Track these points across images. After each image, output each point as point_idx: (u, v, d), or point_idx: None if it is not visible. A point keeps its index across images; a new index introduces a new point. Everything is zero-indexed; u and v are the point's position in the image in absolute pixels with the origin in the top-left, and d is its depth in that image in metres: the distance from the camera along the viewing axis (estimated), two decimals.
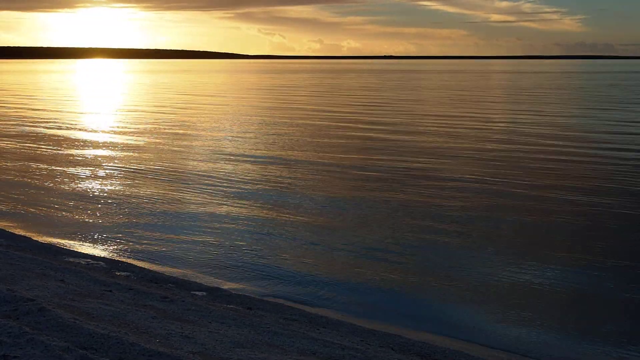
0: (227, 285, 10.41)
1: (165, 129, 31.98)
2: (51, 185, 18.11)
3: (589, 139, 27.38)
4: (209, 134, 29.80)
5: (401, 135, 29.05)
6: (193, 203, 15.86)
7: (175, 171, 20.10)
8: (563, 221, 14.21)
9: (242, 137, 28.43)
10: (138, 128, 32.54)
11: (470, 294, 10.17)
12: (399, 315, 9.36)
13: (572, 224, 14.04)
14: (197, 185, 17.84)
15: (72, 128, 32.77)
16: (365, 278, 10.79)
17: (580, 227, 13.82)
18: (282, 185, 17.92)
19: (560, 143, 26.01)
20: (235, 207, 15.45)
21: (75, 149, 24.98)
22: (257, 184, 18.04)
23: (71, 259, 11.45)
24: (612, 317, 9.37)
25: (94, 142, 27.33)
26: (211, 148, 24.98)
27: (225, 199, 16.19)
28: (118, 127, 33.36)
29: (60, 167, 21.01)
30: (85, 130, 32.08)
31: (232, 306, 9.22)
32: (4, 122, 35.23)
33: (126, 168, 20.60)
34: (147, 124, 34.61)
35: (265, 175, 19.30)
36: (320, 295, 10.08)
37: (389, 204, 15.69)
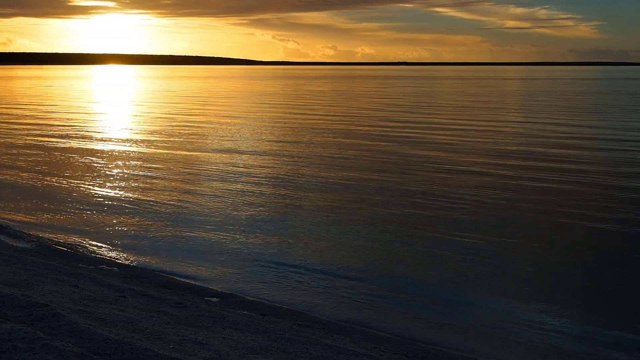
0: (241, 292, 10.40)
1: (183, 134, 32.07)
2: (66, 191, 18.18)
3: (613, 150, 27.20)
4: (225, 139, 29.84)
5: (424, 131, 29.01)
6: (207, 209, 15.88)
7: (189, 178, 20.14)
8: (575, 236, 14.14)
9: (258, 142, 28.47)
10: (154, 134, 32.64)
11: (483, 302, 10.12)
12: (412, 322, 9.32)
13: (584, 233, 13.97)
14: (211, 191, 17.86)
15: (88, 135, 32.92)
16: (378, 285, 10.76)
17: (592, 246, 13.75)
18: (295, 190, 17.91)
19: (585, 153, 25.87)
20: (249, 213, 15.46)
21: (91, 156, 25.09)
22: (270, 190, 18.04)
23: (85, 265, 11.49)
24: (620, 326, 9.31)
25: (109, 148, 27.44)
26: (225, 154, 25.00)
27: (239, 206, 16.20)
28: (134, 134, 33.47)
29: (75, 173, 21.10)
30: (102, 137, 32.22)
31: (245, 312, 9.21)
32: (20, 129, 35.45)
33: (140, 174, 20.67)
34: (165, 130, 34.72)
35: (279, 181, 19.30)
36: (334, 301, 10.05)
37: (403, 211, 15.65)
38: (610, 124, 36.14)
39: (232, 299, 10.01)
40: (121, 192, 17.85)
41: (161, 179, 19.79)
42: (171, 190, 18.00)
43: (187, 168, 21.78)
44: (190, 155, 24.81)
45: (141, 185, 18.84)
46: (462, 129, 33.54)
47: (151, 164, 22.72)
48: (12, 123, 38.45)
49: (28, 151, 26.20)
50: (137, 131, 34.05)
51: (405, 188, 18.20)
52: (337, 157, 23.96)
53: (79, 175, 20.64)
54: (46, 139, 30.40)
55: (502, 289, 10.58)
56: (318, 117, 41.70)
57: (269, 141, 29.10)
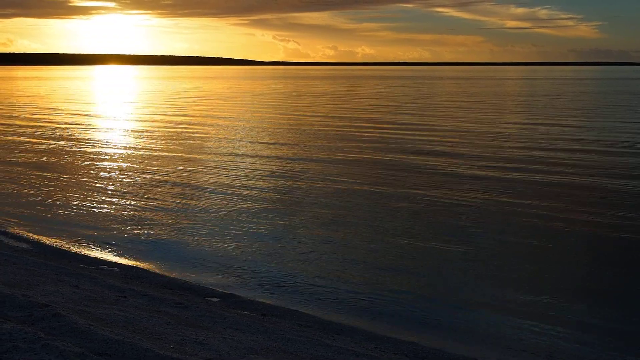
0: (241, 292, 10.40)
1: (183, 136, 32.07)
2: (67, 191, 18.18)
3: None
4: (225, 141, 29.86)
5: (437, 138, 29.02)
6: (207, 210, 15.88)
7: (189, 178, 20.15)
8: (575, 235, 14.14)
9: (258, 144, 28.47)
10: (155, 136, 32.66)
11: (484, 302, 10.12)
12: (413, 322, 9.32)
13: (584, 235, 13.98)
14: (212, 192, 17.87)
15: (90, 136, 32.95)
16: (378, 285, 10.76)
17: (592, 239, 13.75)
18: (296, 192, 17.91)
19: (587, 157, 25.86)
20: (249, 214, 15.46)
21: (92, 156, 25.09)
22: (271, 191, 18.04)
23: (86, 265, 11.50)
24: (619, 327, 9.31)
25: (110, 150, 27.45)
26: (226, 155, 25.01)
27: (239, 207, 16.20)
28: (135, 135, 33.48)
29: (75, 174, 21.11)
30: (103, 138, 32.24)
31: (246, 312, 9.21)
32: (20, 130, 35.46)
33: (141, 175, 20.67)
34: (165, 131, 34.74)
35: (280, 182, 19.30)
36: (334, 301, 10.05)
37: (402, 213, 15.66)
38: (612, 125, 36.12)
39: (232, 299, 10.00)
40: (122, 193, 17.84)
41: (162, 180, 19.79)
42: (172, 191, 17.99)
43: (188, 169, 21.78)
44: (191, 156, 24.80)
45: (142, 186, 18.84)
46: (463, 131, 33.55)
47: (152, 165, 22.72)
48: (12, 125, 38.46)
49: (28, 153, 26.21)
50: (138, 132, 34.06)
51: (406, 189, 18.20)
52: (338, 159, 23.97)
53: (79, 176, 20.64)
54: (47, 140, 30.41)
55: (503, 290, 10.58)
56: (318, 119, 41.73)
57: (271, 143, 29.10)
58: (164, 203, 16.52)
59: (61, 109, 50.42)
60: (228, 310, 9.13)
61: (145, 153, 25.56)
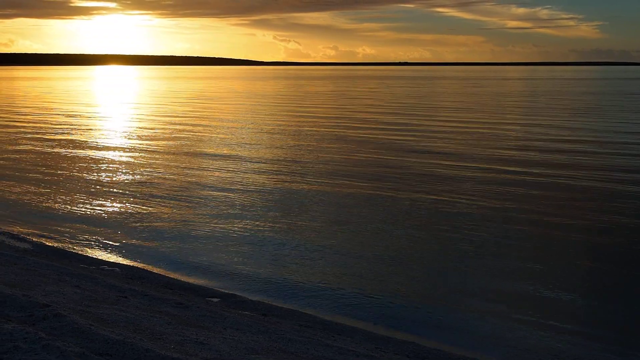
0: (241, 292, 10.42)
1: (184, 137, 32.09)
2: (68, 192, 18.20)
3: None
4: (227, 143, 29.87)
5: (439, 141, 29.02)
6: (208, 210, 15.89)
7: (190, 178, 20.15)
8: (575, 233, 14.14)
9: (257, 146, 28.49)
10: (156, 137, 32.67)
11: (484, 302, 10.13)
12: (414, 323, 9.33)
13: (584, 236, 13.98)
14: (213, 192, 17.87)
15: (91, 138, 32.96)
16: (379, 285, 10.76)
17: (592, 240, 13.75)
18: (297, 193, 17.92)
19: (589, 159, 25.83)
20: (251, 214, 15.47)
21: (93, 156, 25.12)
22: (271, 192, 18.05)
23: (87, 265, 11.51)
24: (619, 328, 9.31)
25: (111, 152, 27.46)
26: (226, 155, 25.02)
27: (240, 207, 16.21)
28: (137, 137, 33.48)
29: (76, 175, 21.12)
30: (104, 140, 32.26)
31: (246, 312, 9.22)
32: (24, 130, 35.49)
33: (142, 175, 20.68)
34: (166, 133, 34.75)
35: (280, 183, 19.31)
36: (335, 301, 10.06)
37: (402, 213, 15.67)
38: (613, 126, 36.09)
39: (233, 299, 10.01)
40: (123, 193, 17.86)
41: (163, 180, 19.80)
42: (173, 192, 18.00)
43: (189, 169, 21.79)
44: (192, 156, 24.82)
45: (143, 186, 18.85)
46: (463, 132, 33.54)
47: (153, 165, 22.73)
48: (13, 125, 38.49)
49: (30, 153, 26.24)
50: (139, 133, 34.07)
51: (407, 190, 18.20)
52: (339, 160, 23.98)
53: (80, 176, 20.65)
54: (48, 141, 30.42)
55: (504, 290, 10.59)
56: (319, 120, 41.74)
57: (272, 144, 29.12)
58: (165, 203, 16.53)
59: (62, 110, 50.44)
60: (229, 310, 9.14)
61: (146, 154, 25.59)
